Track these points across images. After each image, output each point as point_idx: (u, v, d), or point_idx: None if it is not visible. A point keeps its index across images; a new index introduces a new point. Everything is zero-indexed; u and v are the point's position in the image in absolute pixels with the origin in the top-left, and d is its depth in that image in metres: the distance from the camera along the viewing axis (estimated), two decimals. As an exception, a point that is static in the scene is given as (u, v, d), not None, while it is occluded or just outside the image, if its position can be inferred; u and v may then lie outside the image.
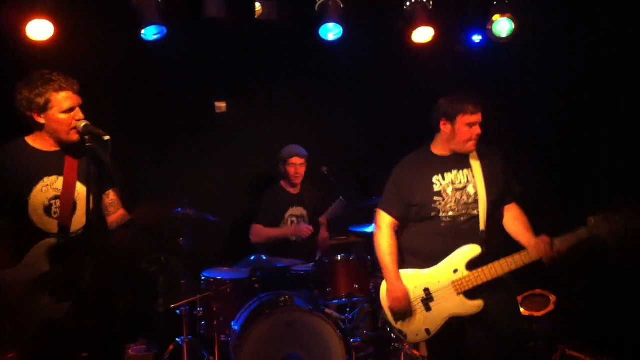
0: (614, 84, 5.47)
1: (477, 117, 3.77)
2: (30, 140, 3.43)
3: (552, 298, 5.22)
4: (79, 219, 3.43)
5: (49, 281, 3.26)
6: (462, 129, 3.79)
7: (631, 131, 5.34)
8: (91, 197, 3.35)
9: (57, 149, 3.43)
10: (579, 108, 5.77)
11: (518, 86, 6.12)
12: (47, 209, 3.37)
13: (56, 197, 3.38)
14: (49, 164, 3.40)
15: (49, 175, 3.39)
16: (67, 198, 3.39)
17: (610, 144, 5.54)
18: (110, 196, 3.60)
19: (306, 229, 5.69)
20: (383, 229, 3.98)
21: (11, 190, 3.32)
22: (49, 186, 3.38)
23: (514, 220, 3.94)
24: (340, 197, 5.75)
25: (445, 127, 3.84)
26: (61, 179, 3.40)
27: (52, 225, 3.37)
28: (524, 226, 3.88)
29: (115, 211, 3.60)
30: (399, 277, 3.88)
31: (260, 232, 5.71)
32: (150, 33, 5.07)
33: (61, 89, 3.34)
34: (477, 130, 3.79)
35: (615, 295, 5.25)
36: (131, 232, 3.44)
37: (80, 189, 3.43)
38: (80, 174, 3.43)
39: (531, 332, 5.12)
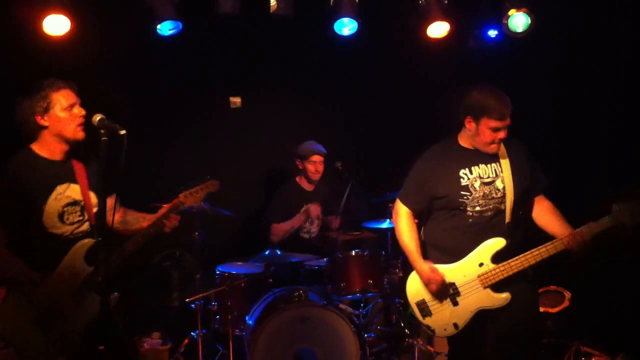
0: (634, 79, 5.41)
1: (503, 123, 3.63)
2: (37, 148, 3.51)
3: (567, 294, 5.19)
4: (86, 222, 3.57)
5: (95, 280, 3.40)
6: (485, 132, 3.67)
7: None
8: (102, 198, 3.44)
9: (63, 157, 3.53)
10: (599, 103, 5.73)
11: (534, 82, 6.08)
12: (61, 216, 3.48)
13: (68, 204, 3.50)
14: (60, 173, 3.51)
15: (61, 183, 3.50)
16: (88, 202, 3.54)
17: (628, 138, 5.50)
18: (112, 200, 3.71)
19: (313, 208, 5.70)
20: (403, 217, 3.93)
21: (26, 199, 3.40)
22: (62, 194, 3.49)
23: (546, 213, 3.86)
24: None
25: (469, 125, 3.72)
26: (72, 186, 3.52)
27: (65, 230, 3.48)
28: (558, 218, 3.81)
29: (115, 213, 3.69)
30: (423, 260, 3.83)
31: (278, 230, 5.73)
32: (165, 28, 5.09)
33: (59, 88, 3.44)
34: (501, 135, 3.66)
35: (631, 292, 5.22)
36: (179, 217, 3.67)
37: (92, 194, 3.57)
38: (90, 179, 3.57)
39: (546, 328, 5.11)
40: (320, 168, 5.78)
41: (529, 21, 5.56)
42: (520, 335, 3.73)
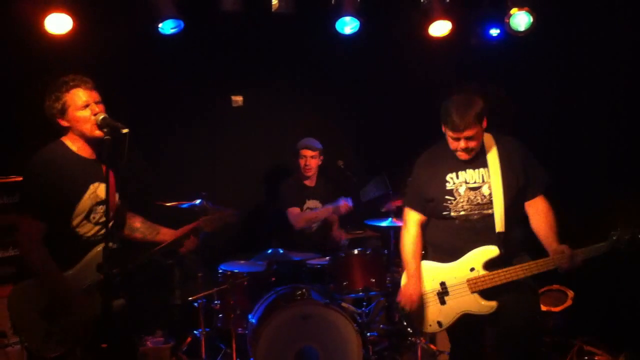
0: (636, 78, 5.40)
1: (458, 134, 3.64)
2: (69, 142, 3.49)
3: (570, 293, 5.19)
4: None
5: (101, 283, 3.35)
6: (449, 139, 3.73)
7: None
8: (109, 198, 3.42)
9: (93, 155, 3.52)
10: (598, 103, 5.72)
11: (536, 81, 6.07)
12: (88, 215, 3.47)
13: (97, 204, 3.49)
14: (92, 171, 3.49)
15: (94, 182, 3.49)
16: (112, 203, 3.50)
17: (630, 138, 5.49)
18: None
19: (344, 205, 5.68)
20: (409, 226, 3.94)
21: (60, 195, 3.38)
22: (94, 193, 3.48)
23: (537, 219, 3.80)
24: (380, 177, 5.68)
25: (443, 129, 3.77)
26: (102, 185, 3.49)
27: (89, 229, 3.48)
28: (548, 228, 3.75)
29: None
30: (418, 278, 3.85)
31: (301, 215, 5.70)
32: (167, 27, 5.09)
33: (72, 87, 3.41)
34: (463, 144, 3.66)
35: (634, 291, 5.21)
36: (198, 239, 3.72)
37: (116, 196, 3.56)
38: (115, 180, 3.51)
39: (548, 327, 5.10)
40: (311, 163, 5.77)
41: (531, 20, 5.56)
42: (520, 335, 3.72)
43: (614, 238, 3.58)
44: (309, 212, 5.75)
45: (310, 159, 5.77)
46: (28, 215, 3.37)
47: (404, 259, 3.94)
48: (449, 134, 3.69)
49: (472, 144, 3.67)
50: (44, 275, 3.35)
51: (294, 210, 5.71)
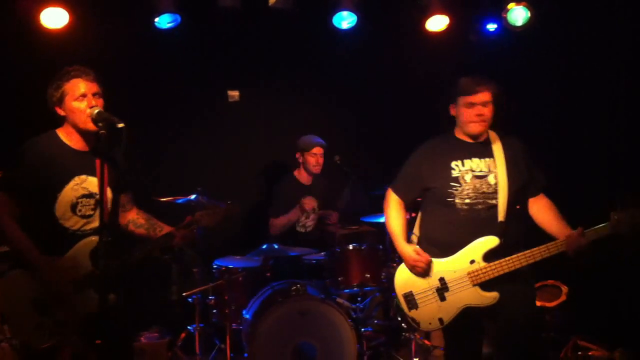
0: (634, 73, 5.40)
1: (475, 98, 3.67)
2: (62, 134, 3.48)
3: (564, 289, 5.19)
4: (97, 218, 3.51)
5: (97, 278, 3.34)
6: (462, 110, 3.73)
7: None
8: (107, 196, 3.41)
9: (86, 148, 3.49)
10: (596, 99, 5.72)
11: (533, 76, 6.07)
12: (73, 207, 3.44)
13: (84, 196, 3.46)
14: (81, 163, 3.46)
15: (80, 174, 3.45)
16: (103, 198, 3.39)
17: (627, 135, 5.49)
18: (126, 197, 3.74)
19: (307, 201, 5.71)
20: (390, 203, 3.98)
21: (43, 184, 3.37)
22: (79, 185, 3.45)
23: (544, 211, 3.83)
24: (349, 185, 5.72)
25: (452, 111, 3.80)
26: (90, 178, 3.47)
27: (75, 222, 3.45)
28: (556, 217, 3.79)
29: (126, 211, 3.75)
30: (407, 243, 3.87)
31: (275, 224, 5.74)
32: (164, 21, 5.10)
33: (72, 77, 3.40)
34: (477, 110, 3.68)
35: (629, 287, 5.22)
36: (193, 233, 3.66)
37: (109, 190, 3.50)
38: (109, 174, 3.41)
39: (543, 322, 5.11)
40: (321, 160, 5.79)
41: (529, 15, 5.57)
42: (520, 332, 3.71)
43: (615, 218, 3.54)
44: (281, 219, 5.74)
45: (320, 157, 5.78)
46: (2, 192, 3.37)
47: (392, 231, 3.93)
48: (464, 100, 3.71)
49: (486, 112, 3.70)
50: (21, 249, 3.32)
51: (274, 220, 5.75)
